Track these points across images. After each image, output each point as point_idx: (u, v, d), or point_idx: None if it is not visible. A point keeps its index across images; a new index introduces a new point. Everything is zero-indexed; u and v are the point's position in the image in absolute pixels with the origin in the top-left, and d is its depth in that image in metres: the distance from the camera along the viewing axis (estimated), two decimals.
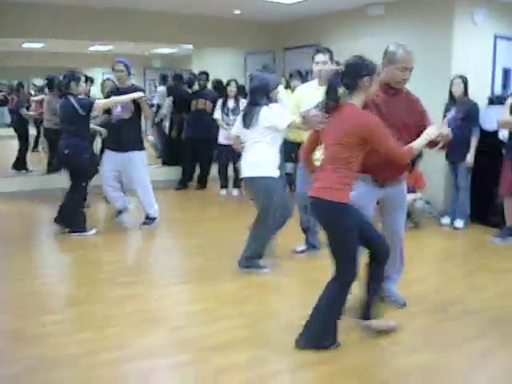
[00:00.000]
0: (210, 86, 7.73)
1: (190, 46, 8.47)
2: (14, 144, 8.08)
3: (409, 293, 3.61)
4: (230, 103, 6.98)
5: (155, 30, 7.50)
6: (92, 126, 5.39)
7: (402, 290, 3.57)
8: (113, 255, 4.71)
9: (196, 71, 7.97)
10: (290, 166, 6.00)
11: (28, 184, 7.10)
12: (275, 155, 4.02)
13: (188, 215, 6.27)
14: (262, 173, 3.95)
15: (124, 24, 7.31)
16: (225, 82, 7.37)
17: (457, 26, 5.87)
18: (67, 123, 5.08)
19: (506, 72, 6.34)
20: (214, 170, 7.55)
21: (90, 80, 7.12)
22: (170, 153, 8.18)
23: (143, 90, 5.41)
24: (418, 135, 2.98)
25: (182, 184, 7.65)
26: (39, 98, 8.11)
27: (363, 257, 3.00)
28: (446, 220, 5.71)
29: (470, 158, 5.38)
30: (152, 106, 8.72)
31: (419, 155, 5.26)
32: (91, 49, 9.37)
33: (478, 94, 5.61)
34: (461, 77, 5.39)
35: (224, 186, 7.31)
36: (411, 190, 5.15)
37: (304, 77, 6.44)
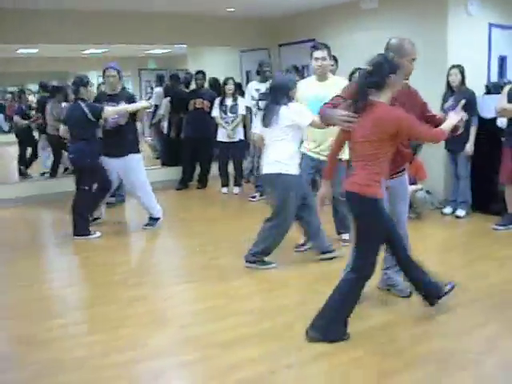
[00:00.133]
0: (206, 85, 7.73)
1: (185, 46, 8.46)
2: (10, 150, 8.06)
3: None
4: (228, 101, 6.99)
5: (149, 31, 7.48)
6: None
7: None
8: (118, 257, 4.73)
9: (191, 71, 7.97)
10: None
11: (29, 190, 7.10)
12: (296, 153, 4.07)
13: (190, 215, 6.28)
14: (282, 170, 3.99)
15: (117, 27, 7.29)
16: (221, 80, 7.38)
17: (451, 16, 5.87)
18: (75, 128, 5.10)
19: (501, 59, 6.37)
20: (214, 168, 7.57)
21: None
22: (169, 153, 8.18)
23: (133, 96, 5.49)
24: None
25: (183, 184, 7.66)
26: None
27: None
28: (447, 209, 5.74)
29: (469, 146, 5.40)
30: None
31: (419, 144, 5.29)
32: (86, 52, 9.35)
33: (475, 83, 5.63)
34: (458, 66, 5.41)
35: (225, 184, 7.32)
36: (412, 182, 5.17)
37: (300, 72, 6.45)
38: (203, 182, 7.69)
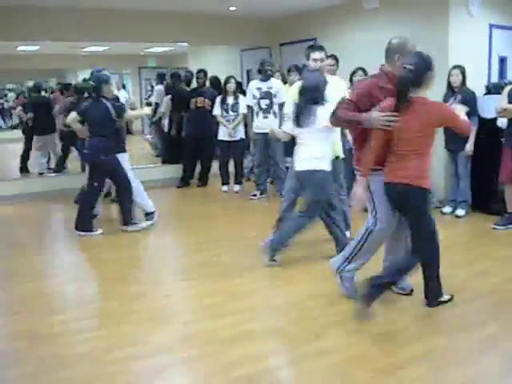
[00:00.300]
0: (208, 83, 7.74)
1: (186, 45, 8.47)
2: (12, 147, 8.06)
3: (415, 280, 3.64)
4: (230, 100, 7.01)
5: (150, 29, 7.50)
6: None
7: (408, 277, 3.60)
8: (120, 254, 4.74)
9: (192, 69, 7.97)
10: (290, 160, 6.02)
11: (31, 186, 7.12)
12: (329, 150, 4.13)
13: (190, 212, 6.29)
14: (318, 166, 4.04)
15: (118, 25, 7.30)
16: (221, 78, 7.39)
17: (452, 17, 5.89)
18: (95, 125, 5.09)
19: (502, 60, 6.39)
20: (215, 166, 7.58)
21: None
22: (169, 151, 8.18)
23: (123, 104, 5.66)
24: None
25: (184, 182, 7.66)
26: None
27: None
28: (447, 209, 5.76)
29: (469, 146, 5.42)
30: (150, 104, 8.76)
31: None
32: (86, 50, 9.35)
33: (476, 84, 5.65)
34: (459, 67, 5.43)
35: (225, 182, 7.33)
36: None
37: (301, 71, 6.46)
38: (204, 180, 7.71)
